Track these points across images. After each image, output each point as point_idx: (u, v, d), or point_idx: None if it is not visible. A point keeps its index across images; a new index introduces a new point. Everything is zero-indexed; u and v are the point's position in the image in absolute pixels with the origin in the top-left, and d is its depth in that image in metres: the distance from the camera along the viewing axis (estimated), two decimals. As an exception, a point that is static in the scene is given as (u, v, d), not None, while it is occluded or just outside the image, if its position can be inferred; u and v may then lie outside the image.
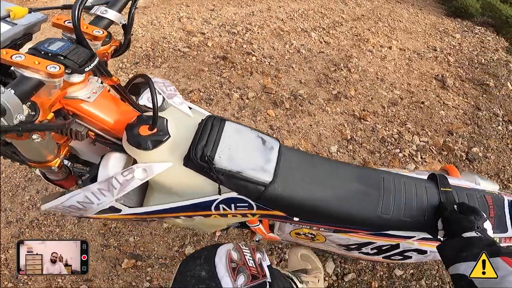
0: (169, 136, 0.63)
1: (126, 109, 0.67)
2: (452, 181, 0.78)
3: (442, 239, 0.66)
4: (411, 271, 1.38)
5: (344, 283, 1.33)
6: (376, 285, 1.32)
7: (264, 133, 0.73)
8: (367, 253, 0.87)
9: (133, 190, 0.66)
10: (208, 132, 0.66)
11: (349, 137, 1.93)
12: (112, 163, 0.64)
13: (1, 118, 0.44)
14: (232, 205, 0.70)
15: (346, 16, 3.16)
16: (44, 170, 0.69)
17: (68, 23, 0.56)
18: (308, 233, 0.87)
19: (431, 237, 0.71)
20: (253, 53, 2.31)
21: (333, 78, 2.30)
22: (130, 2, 0.65)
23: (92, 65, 0.53)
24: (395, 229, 0.73)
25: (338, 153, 1.85)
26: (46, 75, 0.48)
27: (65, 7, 0.58)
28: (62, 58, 0.50)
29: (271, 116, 1.95)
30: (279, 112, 1.98)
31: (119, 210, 0.67)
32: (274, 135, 1.84)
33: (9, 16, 0.51)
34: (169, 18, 2.51)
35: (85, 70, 0.52)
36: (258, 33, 2.52)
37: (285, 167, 0.68)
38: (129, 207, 0.68)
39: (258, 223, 0.89)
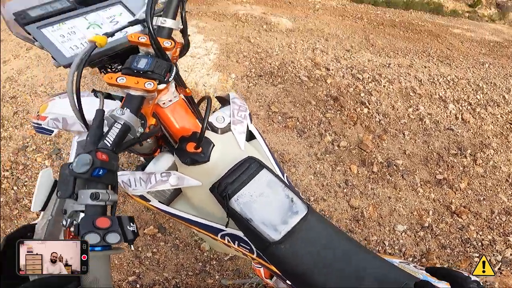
0: (207, 161, 0.73)
1: (193, 122, 0.79)
2: None
3: None
4: None
5: None
6: None
7: (298, 194, 0.74)
8: None
9: (169, 190, 0.80)
10: (241, 171, 0.72)
11: (426, 224, 1.79)
12: (161, 162, 0.79)
13: (129, 134, 0.56)
14: (236, 242, 0.78)
15: (510, 97, 2.78)
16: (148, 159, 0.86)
17: (141, 39, 0.65)
18: None
19: None
20: (367, 104, 2.38)
21: (448, 162, 2.13)
22: (180, 7, 0.72)
23: (173, 74, 0.64)
24: None
25: (403, 234, 1.76)
26: (145, 91, 0.59)
27: (133, 23, 0.69)
28: (151, 73, 0.60)
29: (352, 171, 2.00)
30: (362, 172, 2.01)
31: (149, 200, 0.80)
32: (344, 190, 1.90)
33: (96, 46, 0.58)
34: (305, 46, 2.85)
35: (169, 80, 0.63)
36: (384, 86, 2.55)
37: (301, 234, 0.69)
38: (159, 201, 0.81)
39: (260, 266, 0.95)
